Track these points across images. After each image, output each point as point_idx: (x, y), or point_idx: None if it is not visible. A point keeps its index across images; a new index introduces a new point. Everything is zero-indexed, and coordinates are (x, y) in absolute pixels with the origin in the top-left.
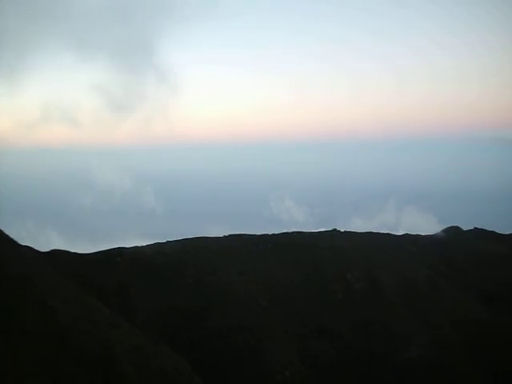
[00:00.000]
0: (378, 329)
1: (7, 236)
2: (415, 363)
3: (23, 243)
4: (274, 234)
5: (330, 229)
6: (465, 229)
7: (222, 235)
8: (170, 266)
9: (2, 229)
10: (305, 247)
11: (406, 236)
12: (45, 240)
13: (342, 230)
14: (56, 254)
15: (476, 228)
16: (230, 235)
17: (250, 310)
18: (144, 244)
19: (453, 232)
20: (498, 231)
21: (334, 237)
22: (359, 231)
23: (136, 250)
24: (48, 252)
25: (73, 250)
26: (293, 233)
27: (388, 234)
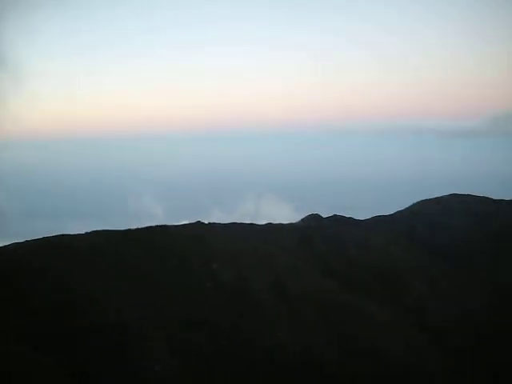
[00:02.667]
0: (246, 318)
1: None
2: (282, 347)
3: None
4: (137, 229)
5: (194, 221)
6: (324, 216)
7: (83, 231)
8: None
9: None
10: (169, 240)
11: (269, 225)
12: None
13: (206, 222)
14: None
15: (335, 215)
16: (93, 231)
17: (119, 305)
18: None
19: (313, 219)
20: (355, 218)
21: (198, 229)
22: (223, 222)
23: None
24: None
25: None
26: (156, 226)
27: (252, 224)
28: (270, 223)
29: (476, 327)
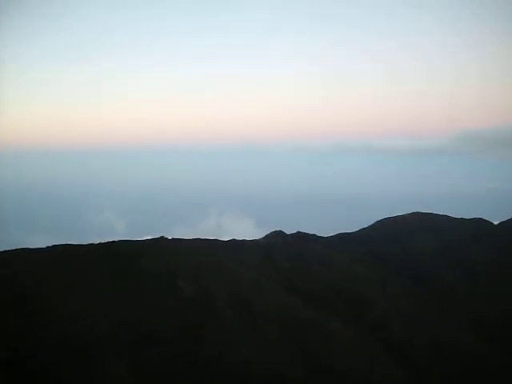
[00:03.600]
0: (209, 334)
1: None
2: (245, 363)
3: None
4: (100, 244)
5: (157, 236)
6: (288, 233)
7: (45, 246)
8: None
9: None
10: (131, 255)
11: (233, 241)
12: None
13: (170, 238)
14: None
15: (299, 232)
16: (54, 246)
17: (81, 321)
18: None
19: (277, 236)
20: (318, 234)
21: (161, 244)
22: (187, 238)
23: None
24: None
25: None
26: (118, 241)
27: (215, 239)
28: (234, 239)
29: (441, 345)
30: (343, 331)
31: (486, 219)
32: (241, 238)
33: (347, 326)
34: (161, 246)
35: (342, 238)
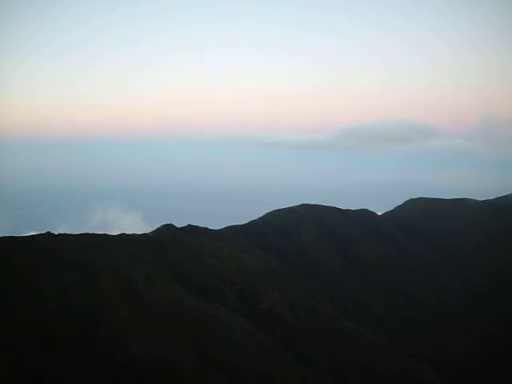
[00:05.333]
0: (101, 331)
1: None
2: (136, 361)
3: None
4: None
5: (43, 232)
6: (178, 226)
7: None
8: None
9: None
10: (16, 252)
11: (123, 235)
12: None
13: (57, 233)
14: None
15: (189, 225)
16: None
17: None
18: None
19: (167, 229)
20: (209, 227)
21: (47, 240)
22: (75, 233)
23: None
24: None
25: None
26: (2, 238)
27: (105, 234)
28: (124, 234)
29: (326, 333)
30: (236, 322)
31: (371, 210)
32: (130, 233)
33: (240, 317)
34: (48, 242)
35: (232, 230)
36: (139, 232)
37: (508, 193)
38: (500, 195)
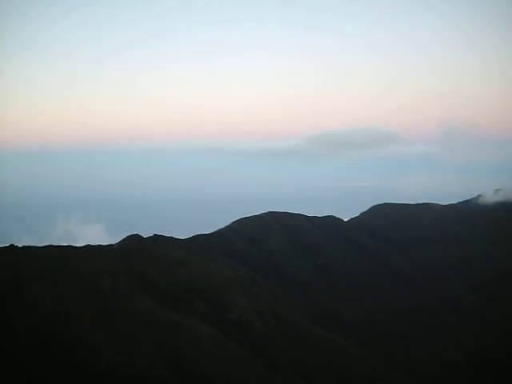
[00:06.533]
0: (69, 341)
1: None
2: (104, 370)
3: None
4: None
5: (7, 245)
6: (145, 236)
7: None
8: None
9: None
10: None
11: (88, 247)
12: None
13: (20, 246)
14: None
15: (156, 235)
16: None
17: None
18: None
19: (133, 240)
20: (175, 236)
21: (10, 253)
22: (39, 245)
23: None
24: None
25: None
26: None
27: (69, 246)
28: (89, 245)
29: (295, 340)
30: (204, 331)
31: (337, 217)
32: (95, 244)
33: (208, 326)
34: (10, 255)
35: (199, 239)
36: (104, 243)
37: (471, 197)
38: (463, 199)
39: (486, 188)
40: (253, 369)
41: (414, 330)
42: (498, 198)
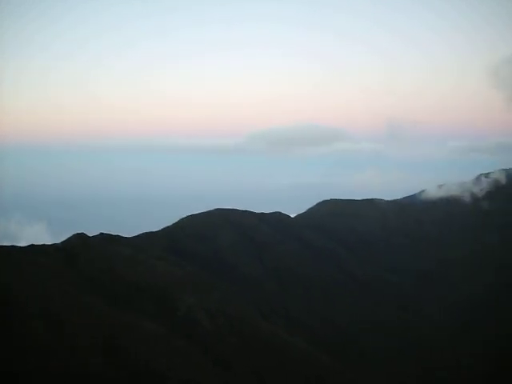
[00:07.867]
0: (18, 351)
1: None
2: (55, 375)
3: None
4: None
5: None
6: (90, 234)
7: None
8: None
9: None
10: None
11: (32, 247)
12: None
13: None
14: None
15: (102, 233)
16: None
17: None
18: None
19: (78, 238)
20: (122, 234)
21: None
22: None
23: None
24: None
25: None
26: None
27: (12, 246)
28: (33, 245)
29: (244, 337)
30: (153, 330)
31: (284, 213)
32: (38, 243)
33: (157, 324)
34: None
35: (146, 237)
36: (47, 243)
37: (415, 192)
38: (407, 195)
39: (430, 183)
40: (204, 365)
41: (366, 327)
42: (441, 193)
